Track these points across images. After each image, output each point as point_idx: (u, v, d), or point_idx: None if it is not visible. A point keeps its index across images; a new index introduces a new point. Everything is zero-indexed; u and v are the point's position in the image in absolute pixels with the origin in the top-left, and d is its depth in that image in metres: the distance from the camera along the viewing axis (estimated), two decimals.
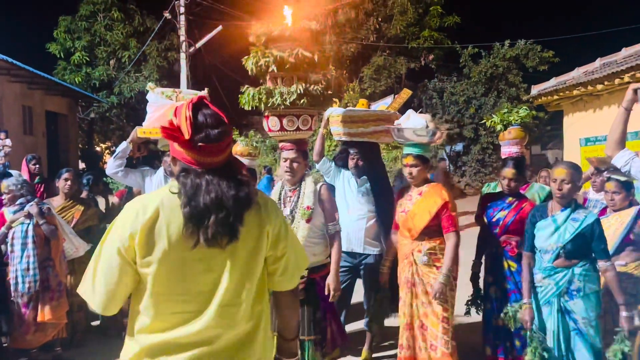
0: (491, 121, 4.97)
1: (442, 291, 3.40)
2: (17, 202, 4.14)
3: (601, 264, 3.07)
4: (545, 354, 3.14)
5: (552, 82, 11.04)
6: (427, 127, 3.58)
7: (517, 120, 4.83)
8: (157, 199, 1.57)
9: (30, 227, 4.06)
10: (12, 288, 4.01)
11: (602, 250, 3.06)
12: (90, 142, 21.88)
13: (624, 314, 3.00)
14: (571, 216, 3.12)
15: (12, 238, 4.04)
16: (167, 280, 1.54)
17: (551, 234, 3.15)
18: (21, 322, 4.03)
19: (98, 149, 23.03)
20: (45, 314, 4.05)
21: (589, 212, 3.18)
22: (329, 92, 3.90)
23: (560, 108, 11.25)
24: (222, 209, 1.52)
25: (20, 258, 4.01)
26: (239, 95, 4.03)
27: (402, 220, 3.65)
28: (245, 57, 3.99)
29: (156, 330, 1.55)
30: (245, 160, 4.44)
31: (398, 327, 3.86)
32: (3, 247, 4.14)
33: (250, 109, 3.88)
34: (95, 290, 1.56)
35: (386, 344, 4.53)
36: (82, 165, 19.72)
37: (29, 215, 4.07)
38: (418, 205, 3.57)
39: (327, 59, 4.07)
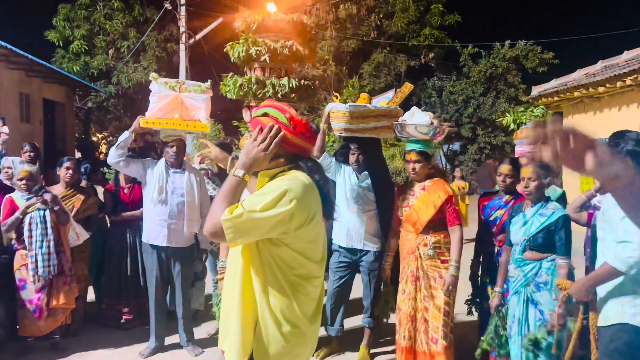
0: (505, 120, 4.97)
1: (454, 283, 3.56)
2: (33, 189, 4.13)
3: (557, 259, 3.19)
4: (498, 338, 3.42)
5: (553, 83, 11.05)
6: (431, 124, 3.65)
7: (531, 119, 4.83)
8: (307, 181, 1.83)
9: (47, 212, 4.07)
10: (30, 273, 4.02)
11: (562, 246, 3.18)
12: (86, 132, 21.78)
13: (560, 310, 3.09)
14: (539, 211, 3.28)
15: (30, 223, 4.02)
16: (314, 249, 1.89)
17: (520, 228, 3.32)
18: (33, 308, 4.04)
19: (94, 138, 22.92)
20: (59, 299, 4.10)
21: (559, 208, 3.29)
22: (320, 89, 3.93)
23: (560, 109, 11.27)
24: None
25: (41, 242, 4.01)
26: (221, 83, 3.99)
27: (406, 214, 3.76)
28: (231, 43, 3.95)
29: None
30: None
31: (395, 324, 3.87)
32: (11, 234, 4.13)
33: (233, 97, 3.86)
34: (242, 229, 1.69)
35: (384, 339, 4.53)
36: (78, 154, 19.63)
37: (44, 202, 4.07)
38: (422, 199, 3.70)
39: (314, 55, 4.11)
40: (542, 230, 3.22)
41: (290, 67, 3.94)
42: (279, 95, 3.72)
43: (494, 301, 3.52)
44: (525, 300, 3.27)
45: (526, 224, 3.30)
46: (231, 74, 3.93)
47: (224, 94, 3.96)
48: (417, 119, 3.73)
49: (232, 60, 3.95)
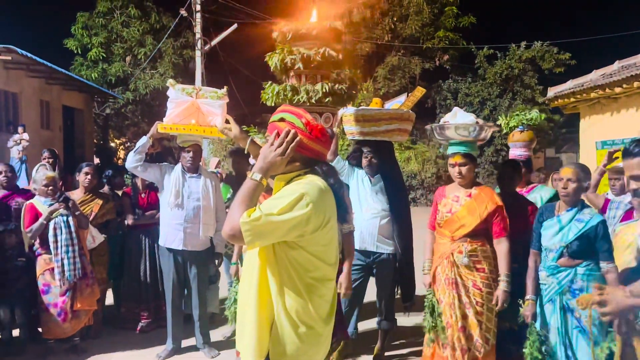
0: (503, 122, 4.98)
1: (507, 299, 3.38)
2: (57, 195, 4.24)
3: (603, 265, 3.06)
4: (544, 348, 3.19)
5: (569, 84, 10.93)
6: (477, 123, 3.56)
7: (523, 122, 4.83)
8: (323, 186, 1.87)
9: (70, 217, 4.18)
10: (57, 277, 4.12)
11: (606, 251, 3.04)
12: (105, 138, 22.08)
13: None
14: (576, 217, 3.13)
15: (54, 229, 4.12)
16: (328, 253, 1.93)
17: (555, 234, 3.18)
18: (58, 311, 4.14)
19: (113, 144, 23.24)
20: (82, 301, 4.21)
21: (595, 213, 3.18)
22: (353, 91, 3.98)
23: (576, 110, 11.14)
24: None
25: (66, 247, 4.12)
26: (261, 92, 4.11)
27: (447, 220, 3.57)
28: (269, 53, 4.08)
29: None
30: None
31: (410, 327, 3.88)
32: (31, 240, 4.23)
33: (272, 105, 3.96)
34: (260, 231, 1.74)
35: (398, 342, 4.54)
36: (96, 160, 19.93)
37: (67, 207, 4.18)
38: (467, 207, 3.50)
39: (350, 59, 4.16)
40: (580, 237, 3.09)
41: (326, 73, 4.02)
42: (313, 101, 3.80)
43: (527, 310, 3.29)
44: (562, 308, 3.15)
45: (562, 229, 3.15)
46: (270, 82, 4.05)
47: (264, 102, 4.09)
48: (460, 119, 3.61)
49: (271, 70, 4.08)
